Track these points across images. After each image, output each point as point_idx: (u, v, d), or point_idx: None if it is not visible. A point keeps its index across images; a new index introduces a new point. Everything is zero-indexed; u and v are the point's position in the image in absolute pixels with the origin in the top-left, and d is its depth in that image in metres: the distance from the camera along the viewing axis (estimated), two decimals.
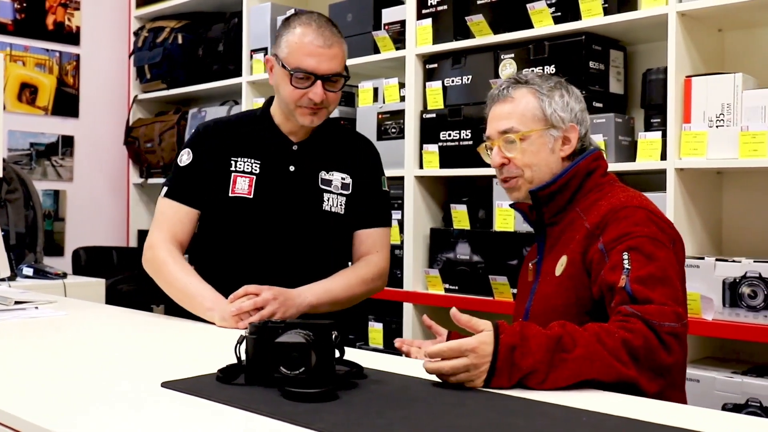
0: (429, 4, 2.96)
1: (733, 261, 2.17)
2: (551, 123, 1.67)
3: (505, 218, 2.71)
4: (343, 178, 2.08)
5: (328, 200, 2.06)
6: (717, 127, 2.24)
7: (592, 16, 2.50)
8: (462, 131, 2.86)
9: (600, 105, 2.56)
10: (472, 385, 1.30)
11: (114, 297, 3.41)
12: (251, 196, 2.02)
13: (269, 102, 2.12)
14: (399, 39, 3.09)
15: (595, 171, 1.69)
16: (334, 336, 1.33)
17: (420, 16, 2.99)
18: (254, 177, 2.03)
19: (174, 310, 2.17)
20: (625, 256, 1.47)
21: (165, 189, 2.07)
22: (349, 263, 2.15)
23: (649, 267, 1.45)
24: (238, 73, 3.77)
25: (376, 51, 3.15)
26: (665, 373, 1.37)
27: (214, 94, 4.17)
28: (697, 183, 2.37)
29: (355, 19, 3.25)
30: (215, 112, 3.91)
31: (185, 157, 2.06)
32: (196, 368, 1.42)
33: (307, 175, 2.06)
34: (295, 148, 2.06)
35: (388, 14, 3.13)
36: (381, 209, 2.16)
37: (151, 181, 4.28)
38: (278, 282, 1.93)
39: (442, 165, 2.91)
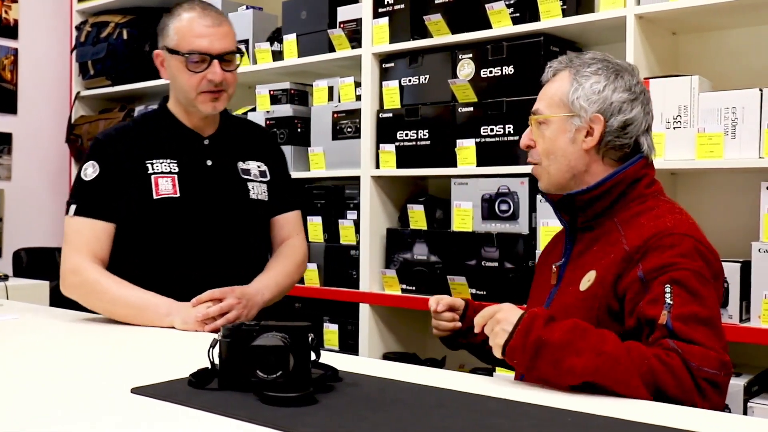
0: (386, 3, 2.94)
1: None
2: (572, 110, 1.53)
3: (464, 218, 2.71)
4: (259, 166, 2.12)
5: (252, 188, 2.08)
6: (674, 128, 2.28)
7: (551, 18, 2.52)
8: (419, 131, 2.85)
9: None
10: (493, 343, 1.33)
11: (58, 299, 3.28)
12: (178, 195, 1.98)
13: (165, 101, 2.09)
14: (355, 38, 3.06)
15: (641, 179, 1.54)
16: (310, 338, 1.30)
17: (376, 15, 2.97)
18: (176, 176, 1.99)
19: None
20: (668, 290, 1.35)
21: (73, 207, 1.96)
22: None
23: (692, 305, 1.33)
24: None
25: (332, 49, 3.11)
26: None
27: (161, 91, 4.06)
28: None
29: (310, 16, 3.21)
30: None
31: (90, 171, 1.97)
32: (166, 373, 1.38)
33: (225, 167, 2.06)
34: (206, 142, 2.06)
35: (344, 12, 3.10)
36: (293, 193, 2.22)
37: None
38: (215, 275, 1.95)
39: (399, 165, 2.90)
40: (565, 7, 2.51)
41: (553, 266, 1.61)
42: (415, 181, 3.13)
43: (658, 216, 1.47)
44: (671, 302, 1.33)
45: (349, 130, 3.07)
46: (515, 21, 2.61)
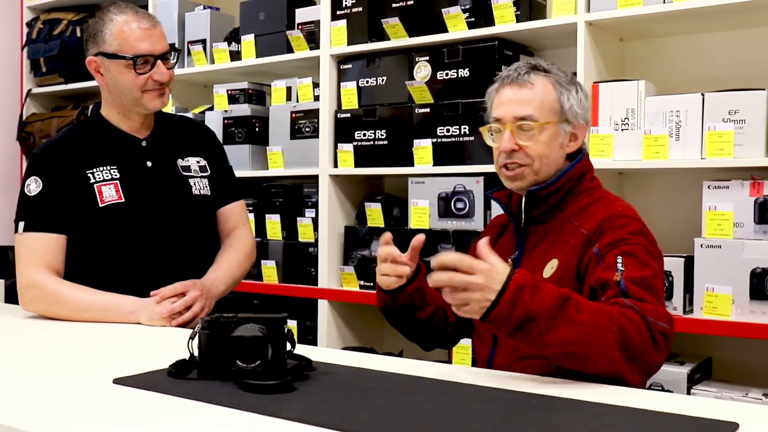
0: (344, 6, 3.00)
1: None
2: (566, 117, 1.65)
3: (421, 216, 2.79)
4: (198, 161, 2.16)
5: (194, 185, 2.12)
6: (622, 130, 2.40)
7: (505, 23, 2.61)
8: (377, 131, 2.92)
9: None
10: (469, 309, 1.26)
11: (14, 298, 3.26)
12: (123, 200, 2.01)
13: (96, 109, 2.12)
14: (312, 39, 3.12)
15: (586, 174, 1.68)
16: (286, 330, 1.36)
17: (334, 17, 3.03)
18: (118, 181, 2.02)
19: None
20: (619, 259, 1.47)
21: (22, 224, 1.99)
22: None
23: (642, 272, 1.46)
24: None
25: (290, 50, 3.16)
26: (651, 369, 1.41)
27: None
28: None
29: (268, 17, 3.25)
30: None
31: (33, 186, 2.00)
32: (146, 365, 1.42)
33: (165, 166, 2.10)
34: (144, 144, 2.10)
35: (302, 14, 3.15)
36: (235, 184, 2.27)
37: None
38: (168, 274, 1.99)
39: (357, 164, 2.96)
40: (518, 12, 2.60)
41: (509, 260, 1.68)
42: (371, 180, 3.20)
43: (607, 203, 1.64)
44: (623, 268, 1.46)
45: (307, 129, 3.12)
46: (470, 25, 2.70)
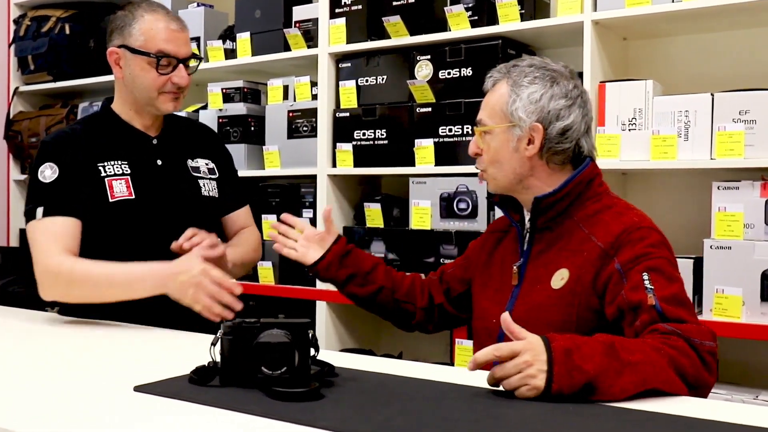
0: (343, 4, 2.96)
1: None
2: (512, 121, 1.60)
3: (422, 217, 2.76)
4: (207, 164, 2.15)
5: (204, 186, 2.10)
6: (629, 130, 2.38)
7: (510, 21, 2.59)
8: (377, 131, 2.89)
9: None
10: (532, 386, 1.21)
11: (5, 299, 3.19)
12: (133, 197, 1.97)
13: (107, 103, 2.08)
14: (310, 37, 3.07)
15: (594, 180, 1.63)
16: (310, 334, 1.33)
17: (333, 15, 2.99)
18: (128, 177, 1.98)
19: (71, 311, 2.07)
20: (645, 277, 1.42)
21: (41, 210, 1.91)
22: None
23: (672, 288, 1.42)
24: None
25: (287, 48, 3.12)
26: (706, 392, 1.35)
27: (103, 88, 3.97)
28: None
29: (264, 15, 3.21)
30: None
31: (49, 172, 1.94)
32: (167, 372, 1.38)
33: (175, 166, 2.07)
34: (155, 142, 2.07)
35: (299, 12, 3.11)
36: (241, 189, 2.26)
37: None
38: None
39: (357, 164, 2.93)
40: (523, 11, 2.58)
41: (514, 266, 1.66)
42: (369, 180, 3.16)
43: (620, 213, 1.58)
44: (652, 287, 1.41)
45: (305, 129, 3.08)
46: (473, 24, 2.67)
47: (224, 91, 3.30)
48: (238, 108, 3.25)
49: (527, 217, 1.67)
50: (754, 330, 2.18)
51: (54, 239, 1.89)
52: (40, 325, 1.95)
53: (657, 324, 1.37)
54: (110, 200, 1.94)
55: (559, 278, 1.56)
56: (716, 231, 2.25)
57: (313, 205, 3.07)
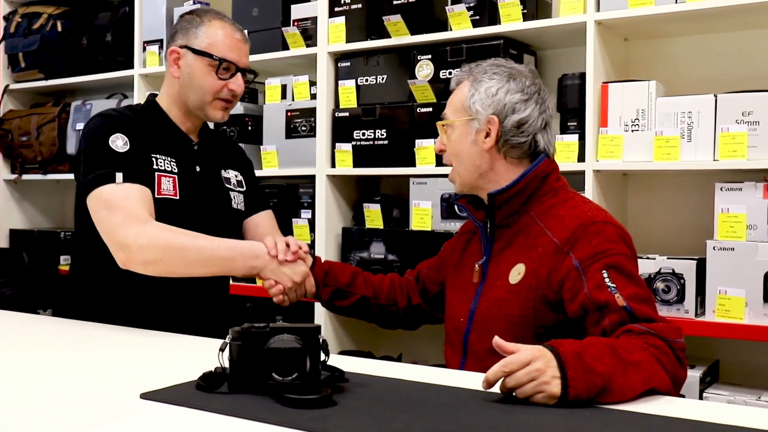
0: (342, 2, 2.94)
1: (648, 258, 2.30)
2: (470, 114, 1.67)
3: (423, 217, 2.74)
4: (236, 176, 2.16)
5: (234, 198, 2.12)
6: (632, 131, 2.37)
7: (512, 21, 2.57)
8: (377, 131, 2.86)
9: None
10: (543, 397, 1.20)
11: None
12: (177, 198, 1.96)
13: (152, 100, 2.08)
14: (308, 36, 3.05)
15: (550, 174, 1.67)
16: (321, 339, 1.31)
17: (332, 14, 2.96)
18: (176, 176, 1.98)
19: (65, 313, 2.05)
20: (605, 274, 1.45)
21: (120, 174, 1.83)
22: None
23: (632, 286, 1.45)
24: (129, 65, 3.58)
25: (285, 47, 3.09)
26: (680, 388, 1.38)
27: (96, 87, 3.94)
28: (608, 184, 2.50)
29: (262, 14, 3.18)
30: (102, 105, 3.70)
31: (121, 143, 1.90)
32: (174, 378, 1.35)
33: (212, 174, 2.09)
34: (196, 147, 2.07)
35: (298, 10, 3.08)
36: (263, 195, 2.31)
37: (25, 177, 3.99)
38: (201, 281, 1.92)
39: (356, 164, 2.90)
40: (525, 11, 2.56)
41: (476, 265, 1.71)
42: (367, 181, 3.14)
43: (574, 206, 1.62)
44: (613, 285, 1.43)
45: (303, 128, 3.05)
46: (475, 24, 2.66)
47: None
48: (236, 107, 3.20)
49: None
50: (756, 331, 2.17)
51: (141, 204, 1.84)
52: (40, 329, 1.92)
53: (629, 324, 1.39)
54: (157, 195, 1.92)
55: (516, 273, 1.61)
56: (719, 232, 2.24)
57: (311, 206, 3.04)
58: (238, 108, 3.20)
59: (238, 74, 2.00)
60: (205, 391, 1.27)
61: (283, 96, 3.15)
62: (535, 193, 1.66)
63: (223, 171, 2.12)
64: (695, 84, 2.53)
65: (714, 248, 2.24)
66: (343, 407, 1.19)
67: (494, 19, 2.63)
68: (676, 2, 2.31)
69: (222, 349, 1.30)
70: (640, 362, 1.27)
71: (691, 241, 2.40)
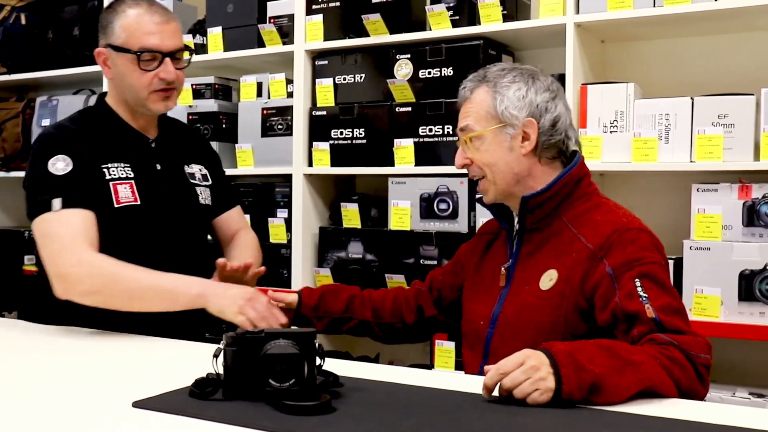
0: (320, 0, 2.92)
1: None
2: (503, 120, 1.60)
3: (401, 217, 2.74)
4: (200, 170, 2.09)
5: (201, 193, 2.05)
6: (611, 132, 2.39)
7: (492, 22, 2.57)
8: (355, 129, 2.85)
9: None
10: (540, 394, 1.20)
11: None
12: (139, 203, 1.89)
13: (102, 98, 2.00)
14: (285, 33, 3.02)
15: (583, 179, 1.63)
16: (317, 344, 1.29)
17: (309, 12, 2.94)
18: (133, 182, 1.90)
19: (32, 316, 2.02)
20: (638, 283, 1.42)
21: (57, 201, 1.78)
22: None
23: (665, 297, 1.42)
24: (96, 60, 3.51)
25: (261, 45, 3.06)
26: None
27: (63, 82, 3.86)
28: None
29: (237, 10, 3.14)
30: (69, 101, 3.63)
31: (62, 164, 1.82)
32: (165, 385, 1.33)
33: (174, 171, 2.01)
34: (153, 145, 2.00)
35: (274, 7, 3.05)
36: (232, 190, 2.22)
37: None
38: None
39: (334, 163, 2.89)
40: (505, 12, 2.57)
41: (502, 268, 1.65)
42: (343, 180, 3.12)
43: (608, 211, 1.59)
44: (645, 295, 1.41)
45: (279, 127, 3.03)
46: (454, 24, 2.66)
47: (194, 86, 3.22)
48: (209, 105, 3.17)
49: (516, 218, 1.67)
50: (732, 329, 2.22)
51: (80, 232, 1.77)
52: (24, 335, 1.87)
53: (655, 334, 1.37)
54: (115, 206, 1.86)
55: (548, 279, 1.56)
56: (695, 232, 2.27)
57: (287, 205, 3.02)
58: (212, 105, 3.16)
59: (167, 60, 1.87)
60: (198, 398, 1.25)
61: (259, 94, 3.12)
62: (568, 198, 1.60)
63: (186, 166, 2.04)
64: (670, 87, 2.56)
65: (690, 248, 2.27)
66: (344, 413, 1.18)
67: (474, 20, 2.64)
68: (654, 5, 2.34)
69: (216, 355, 1.28)
70: (640, 363, 1.26)
71: (668, 240, 2.41)
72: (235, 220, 2.15)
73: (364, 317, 1.86)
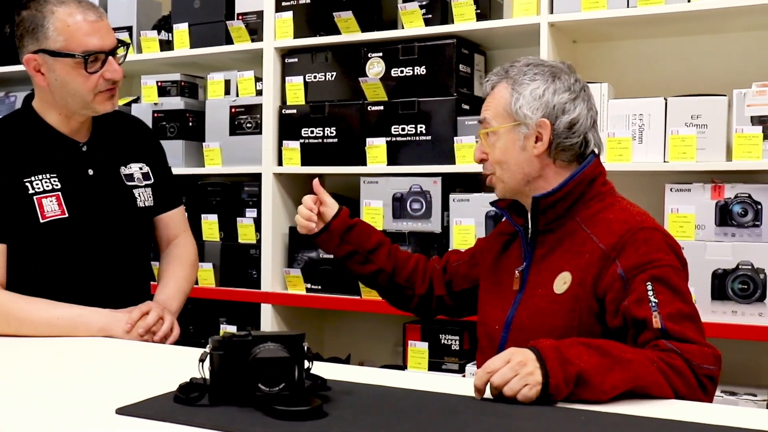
0: None
1: None
2: (517, 119, 1.56)
3: (374, 217, 2.71)
4: (141, 168, 1.99)
5: (139, 196, 1.95)
6: None
7: (465, 21, 2.56)
8: (326, 128, 2.82)
9: (468, 107, 2.64)
10: (530, 389, 1.20)
11: None
12: (66, 216, 1.81)
13: (27, 103, 1.89)
14: (254, 30, 2.97)
15: (597, 178, 1.59)
16: (306, 348, 1.26)
17: (279, 8, 2.90)
18: (59, 193, 1.81)
19: None
20: (649, 287, 1.40)
21: None
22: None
23: (676, 303, 1.39)
24: None
25: (229, 42, 3.00)
26: None
27: (21, 77, 3.74)
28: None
29: (204, 6, 3.08)
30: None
31: None
32: (148, 390, 1.28)
33: (108, 175, 1.91)
34: (84, 149, 1.89)
35: (243, 4, 3.00)
36: (175, 189, 2.12)
37: None
38: (108, 291, 1.87)
39: (304, 162, 2.85)
40: (479, 11, 2.56)
41: (516, 271, 1.62)
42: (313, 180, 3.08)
43: (622, 209, 1.55)
44: (656, 300, 1.38)
45: (248, 125, 2.98)
46: (427, 23, 2.64)
47: (159, 84, 3.15)
48: (175, 102, 3.11)
49: (530, 220, 1.63)
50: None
51: None
52: (10, 341, 1.79)
53: (658, 340, 1.36)
54: (41, 221, 1.78)
55: (562, 282, 1.52)
56: (669, 231, 2.28)
57: (256, 205, 2.97)
58: (178, 103, 3.10)
59: (110, 59, 1.78)
60: (184, 404, 1.21)
61: (227, 92, 3.07)
62: (581, 198, 1.56)
63: (122, 168, 1.93)
64: (643, 87, 2.58)
65: None
66: (335, 418, 1.15)
67: (446, 18, 2.63)
68: (628, 6, 2.35)
69: (202, 360, 1.24)
70: (631, 361, 1.26)
71: None
72: (175, 223, 2.07)
73: (384, 266, 1.82)
